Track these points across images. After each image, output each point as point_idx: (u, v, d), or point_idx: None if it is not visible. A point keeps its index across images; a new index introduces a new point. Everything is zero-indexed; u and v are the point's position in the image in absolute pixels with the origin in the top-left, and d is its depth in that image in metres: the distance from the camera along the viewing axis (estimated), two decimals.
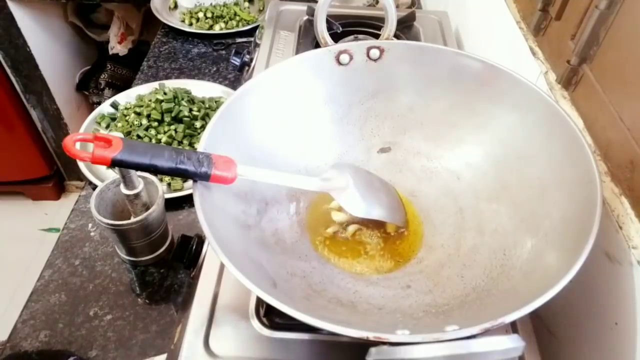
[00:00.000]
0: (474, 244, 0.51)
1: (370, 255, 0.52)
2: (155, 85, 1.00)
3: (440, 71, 0.56)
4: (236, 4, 1.31)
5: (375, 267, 0.51)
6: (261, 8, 1.32)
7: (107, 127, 0.93)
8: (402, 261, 0.52)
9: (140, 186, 0.64)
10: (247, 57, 0.96)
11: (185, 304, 0.56)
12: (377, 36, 0.78)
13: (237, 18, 1.26)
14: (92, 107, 1.82)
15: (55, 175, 1.78)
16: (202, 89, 1.01)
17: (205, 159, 0.43)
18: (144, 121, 0.89)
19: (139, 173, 0.65)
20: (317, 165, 0.57)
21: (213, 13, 1.25)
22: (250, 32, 1.20)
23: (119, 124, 0.90)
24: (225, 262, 0.37)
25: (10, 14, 1.40)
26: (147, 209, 0.66)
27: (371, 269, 0.51)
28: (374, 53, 0.56)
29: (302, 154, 0.57)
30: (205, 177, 0.42)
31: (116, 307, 0.67)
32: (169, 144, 0.86)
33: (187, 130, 0.88)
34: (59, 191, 1.85)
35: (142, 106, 0.91)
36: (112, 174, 0.83)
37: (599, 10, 0.48)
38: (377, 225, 0.54)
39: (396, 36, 0.79)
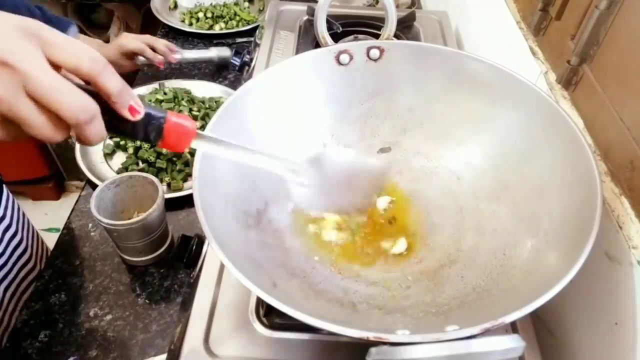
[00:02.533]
0: (474, 244, 0.51)
1: (370, 256, 0.52)
2: (155, 85, 1.00)
3: (440, 71, 0.56)
4: (236, 4, 1.31)
5: (375, 268, 0.51)
6: (261, 8, 1.32)
7: None
8: (402, 261, 0.52)
9: None
10: (247, 57, 0.96)
11: (185, 304, 0.56)
12: (377, 36, 0.78)
13: (237, 18, 1.26)
14: None
15: (55, 175, 1.78)
16: (202, 89, 1.01)
17: (155, 130, 0.35)
18: None
19: None
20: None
21: (213, 13, 1.25)
22: (250, 32, 1.20)
23: None
24: (225, 262, 0.37)
25: None
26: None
27: (371, 269, 0.51)
28: (374, 53, 0.56)
29: (301, 154, 0.56)
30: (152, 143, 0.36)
31: (116, 307, 0.67)
32: None
33: None
34: (59, 191, 1.85)
35: None
36: (112, 174, 0.83)
37: (598, 10, 0.48)
38: (377, 226, 0.54)
39: (396, 36, 0.79)
